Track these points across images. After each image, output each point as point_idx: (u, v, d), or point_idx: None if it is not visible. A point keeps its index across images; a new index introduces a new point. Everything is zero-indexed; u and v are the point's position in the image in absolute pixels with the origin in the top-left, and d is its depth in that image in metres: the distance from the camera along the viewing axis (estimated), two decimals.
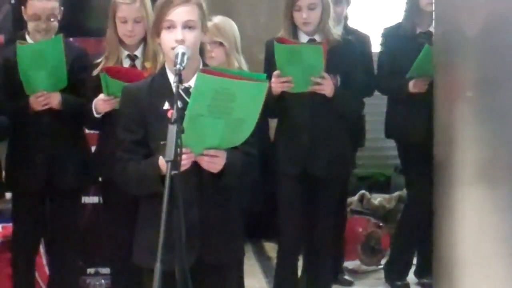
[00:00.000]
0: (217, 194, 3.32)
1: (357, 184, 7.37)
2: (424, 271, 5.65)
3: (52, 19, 4.64)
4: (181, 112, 2.95)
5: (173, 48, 3.18)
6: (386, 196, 7.26)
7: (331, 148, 4.71)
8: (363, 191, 7.23)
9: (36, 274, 5.08)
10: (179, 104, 2.99)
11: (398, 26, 5.40)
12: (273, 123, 4.93)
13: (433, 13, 4.13)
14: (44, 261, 5.38)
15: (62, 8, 4.70)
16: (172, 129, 2.82)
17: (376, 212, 7.00)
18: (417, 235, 5.50)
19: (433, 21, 4.13)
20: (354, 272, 6.29)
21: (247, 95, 3.05)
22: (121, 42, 4.55)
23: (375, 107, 5.86)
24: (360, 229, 6.44)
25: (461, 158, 3.78)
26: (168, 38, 3.21)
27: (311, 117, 4.68)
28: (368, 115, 5.70)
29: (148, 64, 4.44)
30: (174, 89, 3.07)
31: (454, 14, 3.78)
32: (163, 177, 2.88)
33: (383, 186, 7.68)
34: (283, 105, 4.69)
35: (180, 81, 3.01)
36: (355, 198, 7.12)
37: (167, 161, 2.78)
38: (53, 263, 5.09)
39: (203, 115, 3.00)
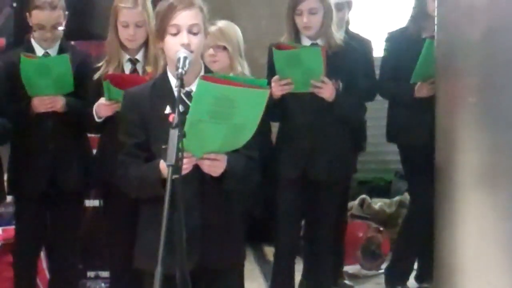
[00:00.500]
0: (218, 198, 3.32)
1: (357, 188, 7.37)
2: (425, 276, 5.64)
3: (57, 28, 4.65)
4: (183, 117, 2.95)
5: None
6: (387, 200, 7.26)
7: (332, 152, 4.71)
8: (363, 196, 7.24)
9: (37, 278, 5.08)
10: (181, 108, 2.99)
11: (403, 30, 5.39)
12: (275, 127, 4.94)
13: (435, 17, 4.13)
14: (44, 265, 5.38)
15: (66, 12, 4.71)
16: (174, 134, 2.82)
17: (377, 217, 7.00)
18: (418, 240, 5.49)
19: (435, 27, 4.12)
20: (354, 276, 6.29)
21: (248, 101, 3.06)
22: (122, 46, 4.55)
23: (376, 112, 5.86)
24: (361, 234, 6.43)
25: (463, 163, 3.78)
26: (173, 43, 3.22)
27: (312, 121, 4.68)
28: (369, 120, 5.69)
29: (149, 68, 4.45)
30: (175, 93, 3.07)
31: (456, 19, 3.78)
32: (164, 181, 2.88)
33: (383, 190, 7.68)
34: (284, 109, 4.69)
35: (182, 85, 3.01)
36: (355, 202, 7.12)
37: (168, 165, 2.78)
38: (53, 267, 5.10)
39: (204, 120, 3.01)
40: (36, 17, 4.62)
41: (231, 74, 4.53)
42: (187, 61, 3.10)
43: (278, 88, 4.55)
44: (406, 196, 6.10)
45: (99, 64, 4.55)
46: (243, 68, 4.59)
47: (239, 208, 3.52)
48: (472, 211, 3.76)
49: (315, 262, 4.99)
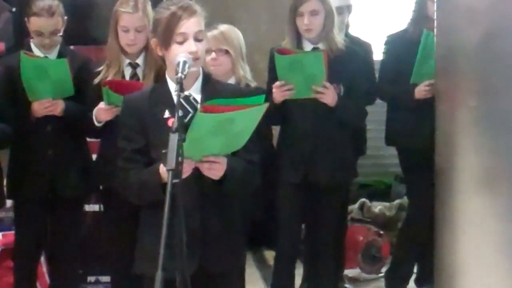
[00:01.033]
0: (218, 201, 3.33)
1: (357, 192, 7.36)
2: (425, 279, 5.64)
3: (55, 34, 4.65)
4: (182, 121, 2.95)
5: None
6: (387, 204, 7.25)
7: (333, 156, 4.71)
8: (363, 199, 7.23)
9: (37, 283, 5.08)
10: (180, 112, 2.99)
11: (402, 33, 5.38)
12: (276, 131, 4.94)
13: (435, 20, 4.13)
14: (45, 269, 5.38)
15: (66, 17, 4.72)
16: (173, 138, 2.82)
17: (377, 220, 7.00)
18: (417, 243, 5.49)
19: (435, 29, 4.12)
20: (354, 280, 6.28)
21: (247, 117, 3.08)
22: (122, 50, 4.55)
23: (376, 115, 5.86)
24: (361, 237, 6.43)
25: (463, 166, 3.78)
26: (181, 51, 3.20)
27: (314, 125, 4.68)
28: (369, 123, 5.69)
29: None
30: (174, 98, 3.08)
31: (455, 22, 3.78)
32: (164, 185, 2.88)
33: (383, 194, 7.66)
34: (286, 113, 4.69)
35: (181, 89, 3.02)
36: (355, 206, 7.12)
37: (168, 170, 2.78)
38: (53, 272, 5.10)
39: (203, 138, 3.02)
40: (34, 23, 4.62)
41: (233, 78, 4.55)
42: (187, 65, 3.11)
43: (279, 94, 4.55)
44: (406, 200, 6.09)
45: (99, 69, 4.56)
46: (245, 72, 4.60)
47: (239, 212, 3.52)
48: (472, 214, 3.75)
49: (316, 266, 4.99)
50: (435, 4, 4.10)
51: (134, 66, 4.55)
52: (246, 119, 3.07)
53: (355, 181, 6.69)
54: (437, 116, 4.01)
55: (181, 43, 3.23)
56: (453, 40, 3.79)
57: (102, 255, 5.19)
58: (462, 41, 3.72)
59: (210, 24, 3.47)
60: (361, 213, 7.12)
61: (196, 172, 3.17)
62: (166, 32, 3.24)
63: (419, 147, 5.07)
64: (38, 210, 4.79)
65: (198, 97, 3.30)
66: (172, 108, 3.15)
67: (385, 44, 5.49)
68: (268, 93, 4.50)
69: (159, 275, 2.63)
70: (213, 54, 4.53)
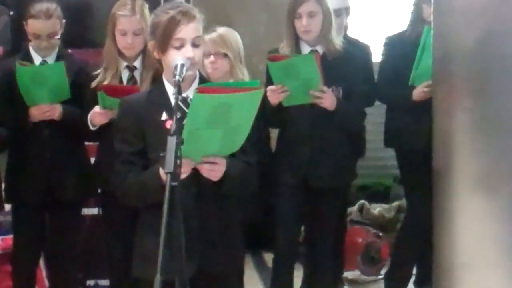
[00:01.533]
0: (216, 203, 3.33)
1: (356, 194, 7.36)
2: (424, 280, 5.64)
3: (53, 37, 4.65)
4: (180, 123, 2.95)
5: None
6: (386, 206, 7.26)
7: (332, 159, 4.71)
8: (362, 201, 7.23)
9: (36, 287, 5.08)
10: (178, 114, 2.99)
11: (401, 34, 5.38)
12: (274, 134, 4.94)
13: (431, 22, 4.13)
14: (44, 274, 5.37)
15: (64, 21, 4.72)
16: (172, 141, 2.82)
17: (376, 222, 7.00)
18: (416, 245, 5.49)
19: (431, 31, 4.12)
20: (354, 282, 6.28)
21: (244, 104, 3.07)
22: (120, 53, 4.55)
23: (375, 117, 5.86)
24: (360, 239, 6.43)
25: (460, 167, 3.77)
26: (178, 55, 3.20)
27: (312, 127, 4.68)
28: (368, 125, 5.69)
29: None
30: (172, 100, 3.08)
31: (451, 24, 3.78)
32: (164, 187, 2.88)
33: (382, 196, 7.67)
34: (284, 115, 4.69)
35: (179, 92, 3.01)
36: (354, 208, 7.12)
37: (166, 173, 2.77)
38: (52, 276, 5.09)
39: (201, 128, 3.01)
40: (31, 26, 4.63)
41: (231, 81, 4.54)
42: (184, 68, 3.11)
43: (274, 97, 4.54)
44: (405, 201, 6.09)
45: (97, 72, 4.55)
46: (243, 74, 4.59)
47: (238, 214, 3.52)
48: (470, 215, 3.75)
49: (315, 268, 4.99)
50: (432, 6, 4.10)
51: (131, 69, 4.55)
52: (243, 107, 3.06)
53: (354, 183, 6.66)
54: (434, 118, 4.02)
55: (178, 48, 3.23)
56: (450, 42, 3.79)
57: (101, 258, 5.18)
58: (459, 43, 3.72)
59: (208, 26, 3.46)
60: (360, 215, 7.12)
61: (195, 174, 3.17)
62: (164, 37, 3.24)
63: (418, 148, 5.07)
64: (37, 214, 4.79)
65: None
66: (170, 110, 3.15)
67: (383, 46, 5.49)
68: (265, 97, 4.50)
69: (158, 279, 2.63)
70: (212, 58, 4.52)
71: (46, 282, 5.34)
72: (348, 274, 6.26)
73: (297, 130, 4.72)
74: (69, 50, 5.01)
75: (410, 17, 5.35)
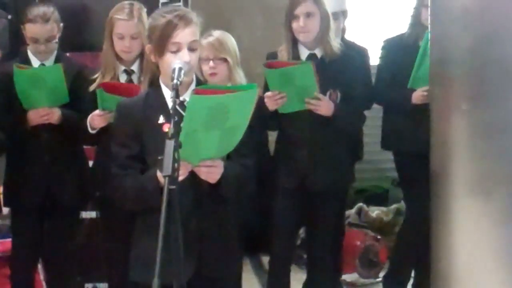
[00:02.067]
0: (214, 206, 3.33)
1: (354, 197, 7.36)
2: (422, 284, 5.63)
3: (51, 41, 4.65)
4: (178, 127, 2.95)
5: None
6: (384, 209, 7.25)
7: (330, 163, 4.71)
8: (360, 204, 7.23)
9: None
10: (175, 118, 2.99)
11: (399, 37, 5.38)
12: (272, 137, 4.94)
13: (429, 25, 4.13)
14: (42, 277, 5.37)
15: (62, 24, 4.72)
16: (169, 144, 2.82)
17: (374, 225, 7.00)
18: (415, 248, 5.49)
19: (429, 34, 4.12)
20: (352, 285, 6.29)
21: (240, 103, 3.09)
22: (117, 57, 4.55)
23: (372, 120, 5.85)
24: (358, 242, 6.43)
25: (458, 170, 3.77)
26: (174, 59, 3.21)
27: (311, 131, 4.68)
28: (365, 128, 5.69)
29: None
30: (169, 104, 3.09)
31: (449, 27, 3.78)
32: (161, 190, 2.88)
33: (380, 198, 7.66)
34: (282, 119, 4.69)
35: (177, 95, 3.02)
36: (352, 211, 7.11)
37: (164, 176, 2.78)
38: (50, 279, 5.09)
39: (198, 130, 3.02)
40: (29, 30, 4.63)
41: (229, 85, 4.53)
42: (182, 72, 3.12)
43: (272, 103, 4.55)
44: (403, 204, 6.09)
45: (95, 76, 4.55)
46: (241, 78, 4.60)
47: (235, 217, 3.52)
48: (468, 218, 3.75)
49: (314, 271, 4.99)
50: (429, 9, 4.10)
51: (129, 72, 4.55)
52: (239, 107, 3.07)
53: (352, 186, 6.69)
54: (432, 121, 4.02)
55: (175, 52, 3.23)
56: (447, 45, 3.79)
57: (99, 261, 5.17)
58: (456, 46, 3.73)
59: (205, 29, 3.46)
60: (358, 218, 7.11)
61: (192, 176, 3.17)
62: (161, 40, 3.24)
63: (415, 151, 5.06)
64: (35, 217, 4.79)
65: None
66: (167, 114, 3.16)
67: (382, 49, 5.49)
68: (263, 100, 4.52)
69: (155, 283, 2.63)
70: (211, 63, 4.52)
71: (44, 286, 5.33)
72: (346, 277, 6.26)
73: (296, 133, 4.72)
74: (67, 54, 5.01)
75: (410, 20, 5.35)
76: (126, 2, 4.61)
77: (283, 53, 4.69)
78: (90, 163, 4.89)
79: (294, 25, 4.64)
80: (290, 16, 4.65)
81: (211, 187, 3.23)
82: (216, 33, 4.58)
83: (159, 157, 2.84)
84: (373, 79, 5.48)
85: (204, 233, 3.29)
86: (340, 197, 5.17)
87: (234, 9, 7.37)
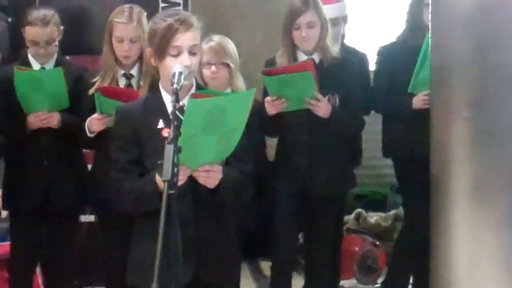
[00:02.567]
0: (212, 211, 3.33)
1: (353, 202, 7.36)
2: None
3: (51, 44, 4.65)
4: (177, 131, 2.95)
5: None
6: (382, 214, 7.25)
7: (330, 168, 4.71)
8: (359, 210, 7.22)
9: None
10: (175, 123, 2.99)
11: (396, 43, 5.37)
12: (270, 141, 4.94)
13: (429, 31, 4.13)
14: (40, 281, 5.37)
15: (62, 27, 4.72)
16: (169, 149, 2.82)
17: (372, 231, 6.99)
18: (413, 253, 5.48)
19: (429, 40, 4.12)
20: None
21: (237, 105, 3.10)
22: (117, 60, 4.55)
23: (371, 125, 5.85)
24: (357, 248, 6.43)
25: (457, 177, 3.77)
26: (175, 63, 3.20)
27: (310, 136, 4.68)
28: (364, 134, 5.69)
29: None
30: (169, 108, 3.09)
31: (450, 34, 3.78)
32: (161, 194, 2.88)
33: (379, 204, 7.66)
34: (282, 125, 4.69)
35: (177, 100, 3.02)
36: (351, 216, 7.11)
37: (164, 181, 2.78)
38: (49, 283, 5.08)
39: (197, 134, 3.02)
40: (29, 33, 4.63)
41: (228, 89, 4.54)
42: (182, 76, 3.11)
43: (272, 108, 4.54)
44: (402, 210, 6.09)
45: (94, 80, 4.55)
46: (241, 83, 4.59)
47: (233, 221, 3.52)
48: (467, 224, 3.75)
49: (312, 276, 4.99)
50: (429, 15, 4.10)
51: (128, 76, 4.55)
52: (235, 109, 3.07)
53: (351, 192, 6.69)
54: (432, 127, 4.01)
55: (175, 56, 3.23)
56: (447, 52, 3.79)
57: (97, 265, 5.17)
58: (457, 53, 3.72)
59: (205, 34, 3.46)
60: (357, 223, 7.11)
61: (191, 181, 3.17)
62: (161, 44, 3.24)
63: (415, 157, 5.06)
64: (34, 221, 4.78)
65: None
66: (166, 118, 3.16)
67: (377, 55, 5.48)
68: (263, 106, 4.52)
69: (154, 287, 2.63)
70: (213, 68, 4.52)
71: None
72: (344, 283, 6.25)
73: (295, 139, 4.72)
74: (68, 57, 5.01)
75: (405, 25, 5.33)
76: (126, 5, 4.61)
77: (282, 59, 4.69)
78: (89, 167, 4.89)
79: (296, 34, 4.63)
80: (291, 25, 4.63)
81: (210, 192, 3.22)
82: (217, 38, 4.58)
83: (159, 162, 2.84)
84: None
85: (203, 238, 3.28)
86: (340, 202, 5.16)
87: (234, 14, 7.38)
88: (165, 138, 2.87)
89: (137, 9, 4.56)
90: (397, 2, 5.82)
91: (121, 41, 4.49)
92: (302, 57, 4.69)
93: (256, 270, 6.83)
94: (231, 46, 4.62)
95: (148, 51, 3.33)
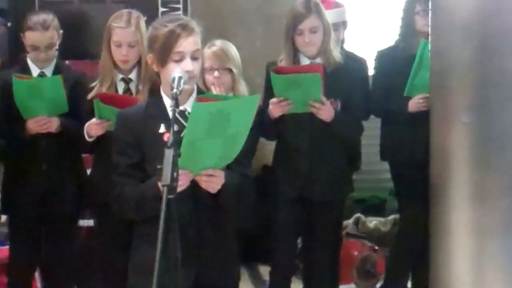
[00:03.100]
0: (213, 215, 3.32)
1: (352, 207, 7.34)
2: None
3: (51, 48, 4.65)
4: (177, 136, 2.95)
5: None
6: (382, 219, 7.24)
7: (330, 172, 4.72)
8: (358, 214, 7.22)
9: None
10: (175, 127, 2.99)
11: (392, 48, 5.39)
12: (270, 146, 4.94)
13: (429, 36, 4.14)
14: (39, 285, 5.36)
15: (61, 31, 4.72)
16: (169, 153, 2.82)
17: (371, 236, 6.99)
18: (410, 258, 5.48)
19: (429, 44, 4.13)
20: None
21: (242, 110, 3.09)
22: (115, 65, 4.55)
23: (370, 130, 5.85)
24: (356, 253, 6.41)
25: (457, 181, 3.78)
26: (177, 69, 3.19)
27: (310, 140, 4.68)
28: (363, 138, 5.69)
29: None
30: (169, 113, 3.08)
31: (450, 39, 3.79)
32: (161, 199, 2.87)
33: (378, 209, 7.65)
34: (282, 128, 4.69)
35: (177, 105, 3.02)
36: (350, 221, 7.11)
37: (163, 186, 2.78)
38: (47, 287, 5.08)
39: (201, 138, 3.01)
40: (29, 38, 4.63)
41: (230, 95, 4.53)
42: (182, 81, 3.11)
43: (277, 110, 4.54)
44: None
45: (93, 84, 4.55)
46: (243, 88, 4.59)
47: (233, 226, 3.52)
48: (467, 229, 3.75)
49: (311, 281, 4.99)
50: (429, 20, 4.11)
51: (127, 81, 4.55)
52: (240, 114, 3.06)
53: (350, 196, 6.69)
54: (432, 132, 4.02)
55: (178, 61, 3.22)
56: (448, 57, 3.80)
57: (96, 270, 5.17)
58: (456, 57, 3.73)
59: (205, 38, 3.46)
60: (356, 228, 7.11)
61: (192, 186, 3.17)
62: (164, 50, 3.23)
63: (413, 161, 5.06)
64: (33, 225, 4.78)
65: None
66: (167, 123, 3.16)
67: (375, 60, 5.49)
68: (264, 109, 4.51)
69: None
70: (216, 73, 4.51)
71: None
72: None
73: (295, 142, 4.72)
74: (67, 62, 5.01)
75: (399, 31, 5.34)
76: (124, 10, 4.62)
77: (284, 63, 4.68)
78: (88, 171, 4.89)
79: (299, 39, 4.63)
80: (293, 30, 4.62)
81: (211, 197, 3.22)
82: (219, 43, 4.58)
83: (158, 167, 2.84)
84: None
85: (203, 242, 3.28)
86: (339, 206, 5.16)
87: (234, 18, 7.37)
88: (166, 142, 2.87)
89: (135, 13, 4.56)
90: (396, 7, 5.83)
91: (119, 45, 4.49)
92: (305, 61, 4.69)
93: (255, 275, 6.82)
94: (233, 51, 4.62)
95: (149, 57, 3.32)
